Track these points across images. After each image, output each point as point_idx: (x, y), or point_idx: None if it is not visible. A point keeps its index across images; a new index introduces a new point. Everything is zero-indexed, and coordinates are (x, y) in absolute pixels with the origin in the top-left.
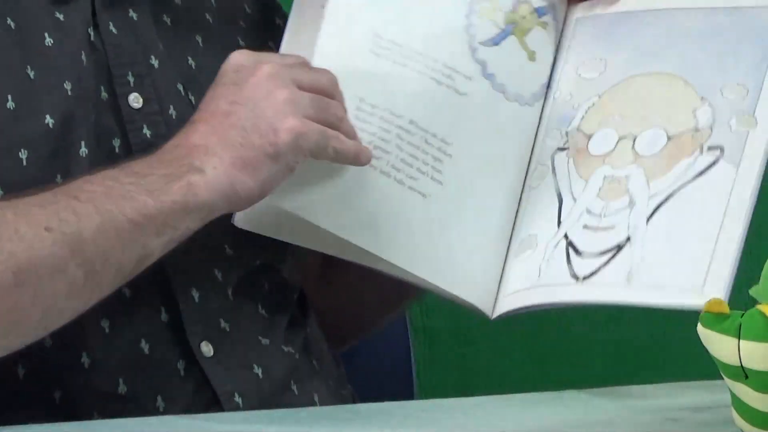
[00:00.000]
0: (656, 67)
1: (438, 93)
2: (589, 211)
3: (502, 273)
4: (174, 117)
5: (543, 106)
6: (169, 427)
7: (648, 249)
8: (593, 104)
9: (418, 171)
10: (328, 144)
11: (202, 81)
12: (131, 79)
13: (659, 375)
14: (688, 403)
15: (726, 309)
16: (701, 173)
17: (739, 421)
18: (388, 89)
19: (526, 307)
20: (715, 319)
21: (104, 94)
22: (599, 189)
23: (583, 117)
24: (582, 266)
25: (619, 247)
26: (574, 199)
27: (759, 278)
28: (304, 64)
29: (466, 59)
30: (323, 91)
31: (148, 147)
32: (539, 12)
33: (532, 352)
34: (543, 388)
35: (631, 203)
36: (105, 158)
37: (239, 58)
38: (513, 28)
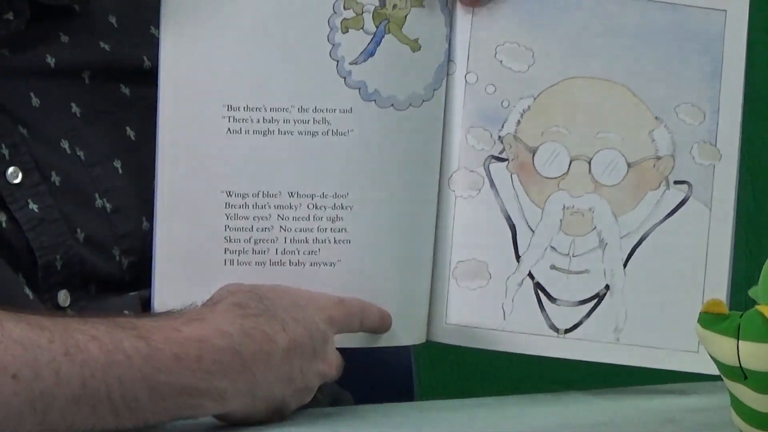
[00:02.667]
0: (597, 71)
1: (316, 146)
2: (554, 249)
3: (432, 291)
4: (58, 184)
5: (447, 88)
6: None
7: (630, 301)
8: (528, 107)
9: (315, 242)
10: None
11: (87, 131)
12: (5, 151)
13: (659, 375)
14: (687, 403)
15: (725, 309)
16: (672, 212)
17: (738, 422)
18: (254, 170)
19: (495, 350)
20: (714, 320)
21: None
22: (560, 221)
23: (518, 122)
24: (560, 316)
25: (599, 297)
26: (532, 230)
27: (758, 279)
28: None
29: (339, 90)
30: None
31: (40, 222)
32: None
33: None
34: (543, 389)
35: (602, 243)
36: None
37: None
38: (386, 26)
